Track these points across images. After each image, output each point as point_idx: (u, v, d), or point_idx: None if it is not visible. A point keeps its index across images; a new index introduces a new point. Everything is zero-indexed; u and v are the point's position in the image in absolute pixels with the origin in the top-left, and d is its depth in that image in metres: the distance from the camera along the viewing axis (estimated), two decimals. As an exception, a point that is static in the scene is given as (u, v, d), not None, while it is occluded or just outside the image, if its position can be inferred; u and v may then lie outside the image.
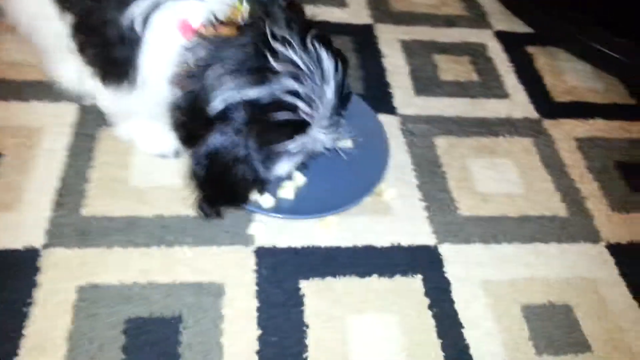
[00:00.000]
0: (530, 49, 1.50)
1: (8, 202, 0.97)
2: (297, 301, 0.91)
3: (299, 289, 0.92)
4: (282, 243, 0.98)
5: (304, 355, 0.85)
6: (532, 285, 0.98)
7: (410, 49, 1.42)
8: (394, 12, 1.52)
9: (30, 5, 1.00)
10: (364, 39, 1.42)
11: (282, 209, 1.00)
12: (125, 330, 0.84)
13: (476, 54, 1.45)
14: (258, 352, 0.84)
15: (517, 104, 1.33)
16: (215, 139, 0.79)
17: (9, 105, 1.12)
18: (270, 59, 0.75)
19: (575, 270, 1.02)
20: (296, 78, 0.76)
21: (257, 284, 0.92)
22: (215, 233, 0.98)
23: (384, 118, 1.21)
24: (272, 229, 1.00)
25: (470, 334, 0.90)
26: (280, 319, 0.89)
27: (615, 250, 1.06)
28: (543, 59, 1.47)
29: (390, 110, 1.25)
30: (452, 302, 0.94)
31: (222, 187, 0.85)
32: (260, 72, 0.76)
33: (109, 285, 0.88)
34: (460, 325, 0.91)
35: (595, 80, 1.43)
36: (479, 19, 1.56)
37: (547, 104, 1.34)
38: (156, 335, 0.84)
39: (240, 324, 0.87)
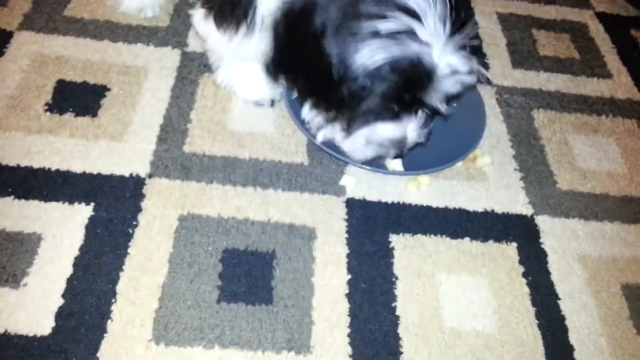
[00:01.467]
0: (635, 33, 1.42)
1: (115, 132, 1.01)
2: (387, 253, 0.91)
3: (389, 242, 0.92)
4: (373, 197, 0.98)
5: (393, 305, 0.85)
6: (633, 265, 0.93)
7: (508, 21, 1.37)
8: (491, -16, 1.47)
9: None
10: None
11: (374, 163, 1.00)
12: (222, 259, 0.86)
13: (577, 32, 1.38)
14: (347, 295, 0.85)
15: (620, 85, 1.26)
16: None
17: (116, 45, 1.17)
18: None
19: (681, 257, 0.96)
20: None
21: (347, 233, 0.92)
22: (308, 181, 0.99)
23: (478, 87, 1.17)
24: (362, 183, 1.00)
25: (566, 306, 0.87)
26: (369, 267, 0.89)
27: None
28: (649, 43, 1.39)
29: (486, 80, 1.21)
30: (547, 273, 0.91)
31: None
32: None
33: (209, 217, 0.91)
34: (556, 296, 0.88)
35: None
36: (579, -2, 1.49)
37: (652, 88, 1.27)
38: (251, 267, 0.86)
39: (330, 267, 0.88)
